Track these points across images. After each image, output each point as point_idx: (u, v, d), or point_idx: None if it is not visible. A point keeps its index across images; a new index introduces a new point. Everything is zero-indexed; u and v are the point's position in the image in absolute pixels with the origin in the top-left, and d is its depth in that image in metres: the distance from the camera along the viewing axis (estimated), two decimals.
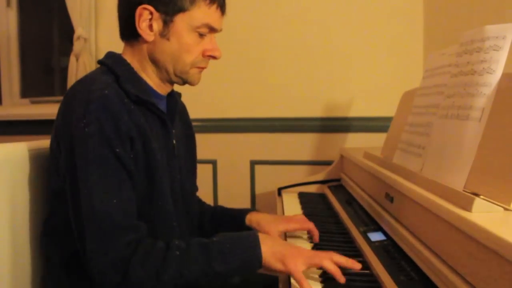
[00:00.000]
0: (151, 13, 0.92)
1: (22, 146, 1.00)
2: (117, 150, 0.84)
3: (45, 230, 0.99)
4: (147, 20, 0.93)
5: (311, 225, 1.08)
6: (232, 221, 1.15)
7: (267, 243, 0.85)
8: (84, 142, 0.83)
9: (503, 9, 1.29)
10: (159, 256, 0.82)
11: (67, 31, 2.25)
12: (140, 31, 0.93)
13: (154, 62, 0.97)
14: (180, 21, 0.93)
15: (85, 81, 0.91)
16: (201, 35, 0.96)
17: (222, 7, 0.97)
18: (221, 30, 1.00)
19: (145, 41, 0.95)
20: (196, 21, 0.94)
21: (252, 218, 1.12)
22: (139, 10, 0.92)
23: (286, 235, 1.16)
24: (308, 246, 1.04)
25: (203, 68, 1.00)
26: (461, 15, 1.56)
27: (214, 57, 0.99)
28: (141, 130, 0.90)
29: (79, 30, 2.12)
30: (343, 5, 1.89)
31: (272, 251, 0.84)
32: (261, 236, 0.87)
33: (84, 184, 0.82)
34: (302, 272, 0.81)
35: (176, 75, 0.98)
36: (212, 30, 0.97)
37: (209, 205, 1.26)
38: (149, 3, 0.92)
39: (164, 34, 0.94)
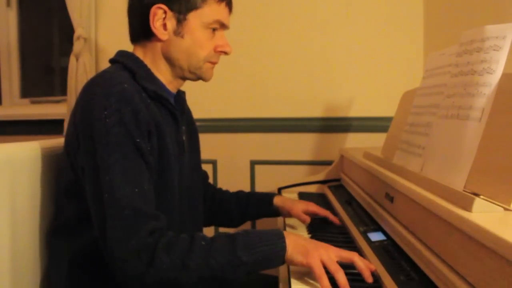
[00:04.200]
0: (165, 12, 0.96)
1: (23, 146, 1.00)
2: (138, 140, 0.86)
3: (52, 228, 0.99)
4: (161, 19, 0.96)
5: (328, 212, 1.21)
6: (260, 203, 1.27)
7: (290, 237, 0.85)
8: (106, 133, 0.84)
9: (503, 9, 1.29)
10: (184, 245, 0.82)
11: (67, 31, 2.26)
12: (154, 30, 0.96)
13: (168, 59, 1.00)
14: (193, 18, 0.97)
15: (104, 76, 0.92)
16: (214, 30, 1.00)
17: (229, 4, 1.03)
18: (228, 28, 1.04)
19: (159, 40, 0.98)
20: (208, 18, 0.98)
21: (278, 199, 1.26)
22: (153, 9, 0.95)
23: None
24: None
25: (215, 63, 1.04)
26: (461, 15, 1.56)
27: (225, 53, 1.03)
28: (157, 124, 0.92)
29: (79, 30, 2.12)
30: (343, 5, 1.89)
31: (294, 245, 0.84)
32: (285, 232, 0.87)
33: (105, 173, 0.83)
34: (323, 268, 0.80)
35: (190, 71, 1.02)
36: (223, 26, 1.02)
37: (229, 191, 1.34)
38: (162, 2, 0.95)
39: (178, 32, 0.98)
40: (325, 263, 0.81)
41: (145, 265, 0.79)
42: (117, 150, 0.84)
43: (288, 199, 1.26)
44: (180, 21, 0.97)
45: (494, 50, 0.76)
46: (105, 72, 0.95)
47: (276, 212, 1.26)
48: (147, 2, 0.96)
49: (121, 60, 0.98)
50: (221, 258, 0.81)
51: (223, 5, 1.00)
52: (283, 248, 0.83)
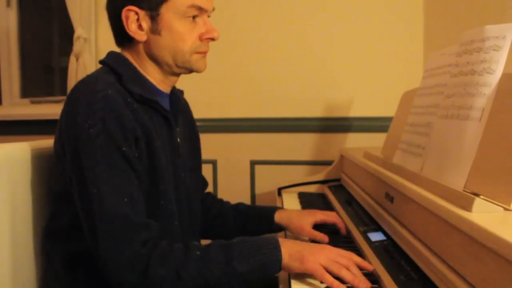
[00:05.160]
0: (136, 13, 0.92)
1: (22, 146, 1.00)
2: (124, 149, 0.84)
3: (47, 231, 0.99)
4: (134, 21, 0.93)
5: (335, 218, 1.12)
6: (260, 219, 1.17)
7: (286, 245, 0.84)
8: (90, 142, 0.82)
9: (503, 9, 1.29)
10: (179, 255, 0.81)
11: (67, 31, 2.25)
12: (131, 33, 0.93)
13: (153, 59, 0.97)
14: (166, 11, 0.92)
15: (88, 81, 0.90)
16: (194, 18, 0.95)
17: None
18: (213, 10, 0.98)
19: (139, 42, 0.95)
20: (181, 6, 0.92)
21: (281, 215, 1.14)
22: (124, 13, 0.92)
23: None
24: None
25: (204, 52, 0.99)
26: (461, 15, 1.56)
27: (212, 39, 0.98)
28: (145, 129, 0.89)
29: (79, 30, 2.12)
30: (343, 5, 1.89)
31: (290, 252, 0.82)
32: (280, 239, 0.85)
33: (93, 184, 0.82)
34: (322, 268, 0.79)
35: (178, 66, 0.98)
36: (202, 10, 0.95)
37: (228, 203, 1.27)
38: (131, 4, 0.92)
39: (154, 30, 0.94)
40: (326, 267, 0.80)
41: (139, 276, 0.79)
42: (103, 160, 0.82)
43: (293, 214, 1.14)
44: (154, 18, 0.92)
45: (494, 50, 0.76)
46: (89, 77, 0.93)
47: (278, 228, 1.15)
48: (116, 6, 0.93)
49: (109, 62, 0.95)
50: (216, 269, 0.80)
51: None
52: (279, 256, 0.82)
